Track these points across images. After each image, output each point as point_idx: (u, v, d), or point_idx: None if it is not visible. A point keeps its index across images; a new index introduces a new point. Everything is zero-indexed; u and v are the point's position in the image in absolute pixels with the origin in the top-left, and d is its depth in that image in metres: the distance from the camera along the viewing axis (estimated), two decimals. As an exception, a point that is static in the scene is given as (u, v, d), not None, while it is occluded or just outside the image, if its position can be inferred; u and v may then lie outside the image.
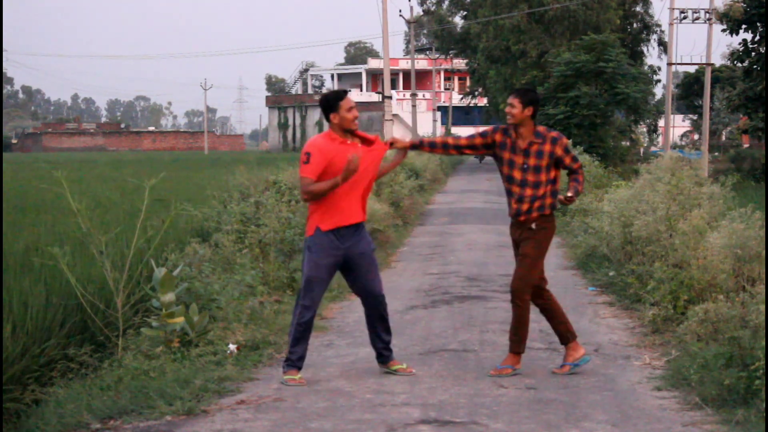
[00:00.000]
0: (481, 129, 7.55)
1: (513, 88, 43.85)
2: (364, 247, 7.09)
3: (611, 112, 32.53)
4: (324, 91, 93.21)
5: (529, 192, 7.23)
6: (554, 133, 7.32)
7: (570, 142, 7.69)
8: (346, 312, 10.15)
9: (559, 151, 7.24)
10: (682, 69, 62.37)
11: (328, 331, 9.09)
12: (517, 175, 7.26)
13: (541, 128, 7.33)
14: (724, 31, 33.97)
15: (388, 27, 35.70)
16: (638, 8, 46.84)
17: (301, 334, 7.05)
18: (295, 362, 7.06)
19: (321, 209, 6.98)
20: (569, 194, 7.24)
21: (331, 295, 10.90)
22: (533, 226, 7.25)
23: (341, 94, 7.16)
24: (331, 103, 7.08)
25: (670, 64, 38.39)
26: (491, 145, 7.38)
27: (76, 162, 47.02)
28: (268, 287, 10.24)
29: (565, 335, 7.42)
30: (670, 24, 38.30)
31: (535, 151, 7.23)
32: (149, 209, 8.57)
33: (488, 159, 46.49)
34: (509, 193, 7.34)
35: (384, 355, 7.33)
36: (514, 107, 7.26)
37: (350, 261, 7.07)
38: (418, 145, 7.51)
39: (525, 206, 7.24)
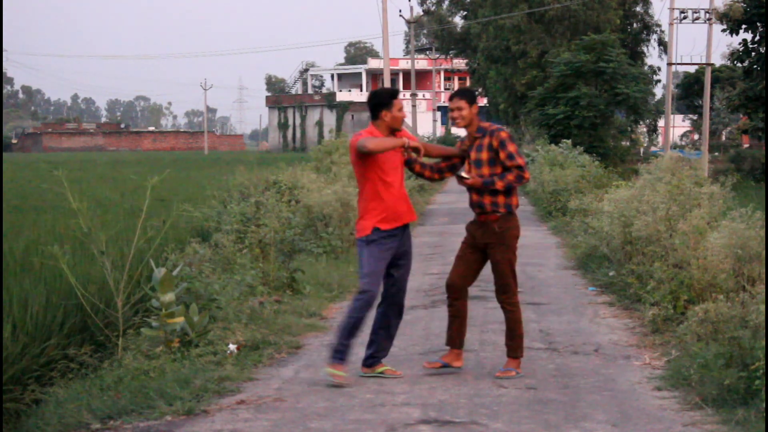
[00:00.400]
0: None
1: (513, 88, 44.01)
2: (409, 246, 7.18)
3: (611, 112, 32.54)
4: (324, 90, 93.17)
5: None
6: (495, 126, 7.23)
7: (507, 136, 7.40)
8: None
9: (494, 143, 7.12)
10: (682, 69, 62.40)
11: (328, 331, 9.08)
12: (470, 172, 7.21)
13: (485, 124, 7.24)
14: (724, 31, 34.00)
15: (388, 27, 35.69)
16: (638, 8, 46.84)
17: (358, 326, 6.98)
18: (343, 355, 6.96)
19: (379, 209, 6.94)
20: (463, 174, 7.08)
21: (331, 295, 10.90)
22: (496, 227, 7.14)
23: (395, 93, 7.14)
24: (385, 99, 7.03)
25: (670, 64, 38.40)
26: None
27: (76, 162, 47.02)
28: (268, 287, 10.23)
29: (456, 340, 7.32)
30: (670, 24, 38.32)
31: (477, 145, 7.18)
32: (149, 209, 8.56)
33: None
34: (469, 192, 7.28)
35: (376, 358, 7.25)
36: (462, 109, 7.17)
37: (397, 258, 7.10)
38: (412, 162, 7.32)
39: (475, 198, 7.16)
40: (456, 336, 7.33)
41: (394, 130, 7.06)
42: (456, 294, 7.30)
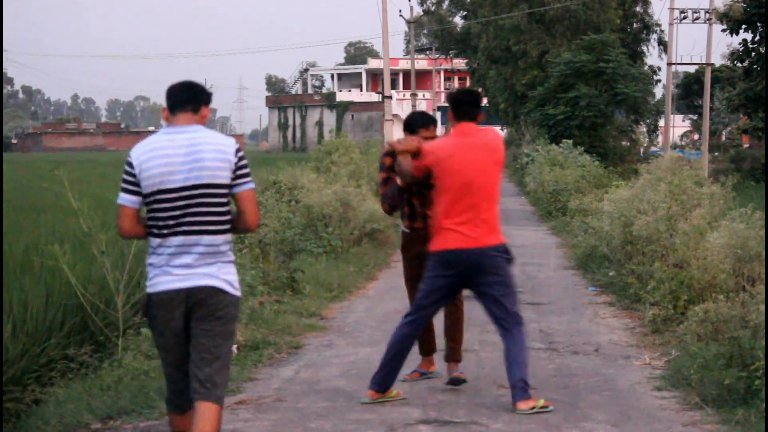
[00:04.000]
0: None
1: (513, 88, 44.02)
2: None
3: (611, 112, 32.56)
4: (324, 90, 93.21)
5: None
6: None
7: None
8: (346, 312, 10.15)
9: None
10: (682, 69, 62.41)
11: (328, 331, 9.08)
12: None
13: None
14: (724, 31, 33.95)
15: (388, 27, 35.63)
16: (638, 8, 46.84)
17: None
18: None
19: None
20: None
21: (331, 295, 10.91)
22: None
23: None
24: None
25: (670, 64, 38.41)
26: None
27: (76, 162, 47.02)
28: (268, 287, 10.23)
29: (428, 349, 7.25)
30: (670, 24, 38.32)
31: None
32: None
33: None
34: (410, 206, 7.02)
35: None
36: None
37: None
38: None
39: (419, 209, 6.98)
40: (427, 345, 7.24)
41: None
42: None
